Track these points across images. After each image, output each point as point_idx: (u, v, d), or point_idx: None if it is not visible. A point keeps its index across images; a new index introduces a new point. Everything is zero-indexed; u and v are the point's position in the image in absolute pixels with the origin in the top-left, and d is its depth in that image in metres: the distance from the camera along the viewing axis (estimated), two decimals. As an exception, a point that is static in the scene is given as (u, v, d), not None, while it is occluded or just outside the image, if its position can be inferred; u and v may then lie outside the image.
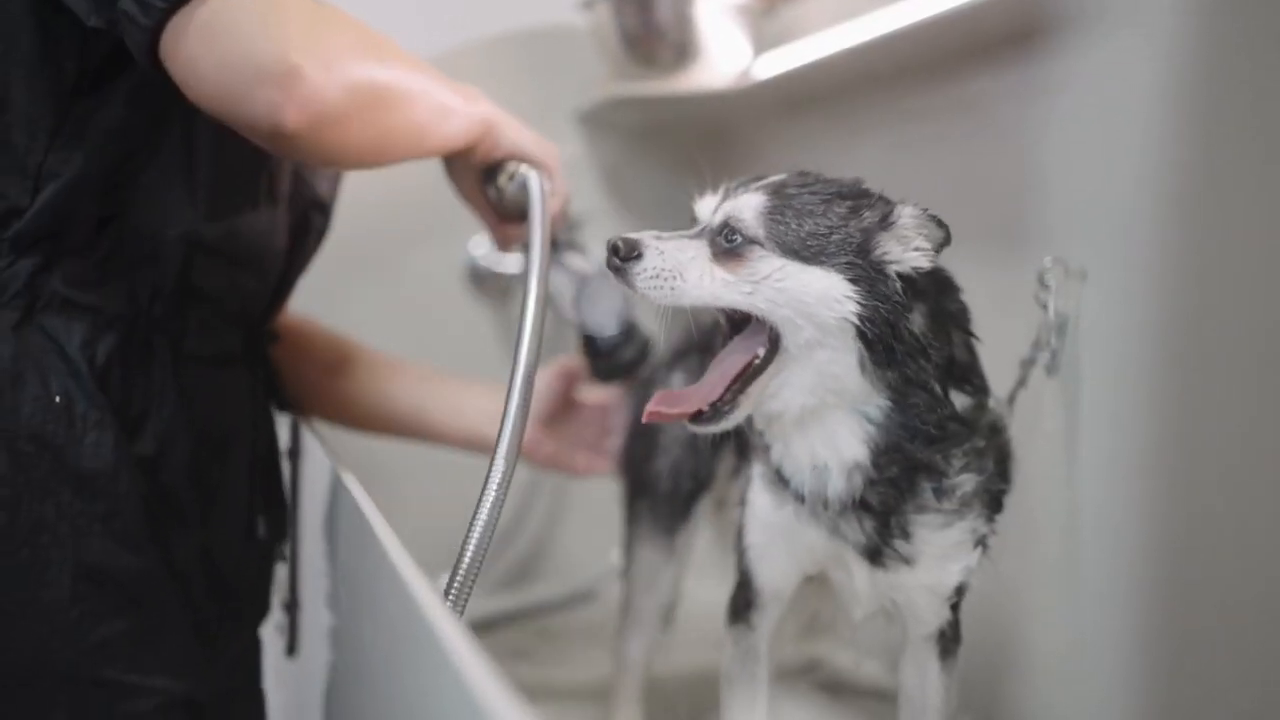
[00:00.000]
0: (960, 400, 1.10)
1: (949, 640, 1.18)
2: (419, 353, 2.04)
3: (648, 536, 1.54)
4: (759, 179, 1.11)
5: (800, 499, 1.12)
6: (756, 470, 1.20)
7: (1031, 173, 1.47)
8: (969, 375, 1.12)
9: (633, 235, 1.05)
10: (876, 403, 1.06)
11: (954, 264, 1.60)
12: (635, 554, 1.56)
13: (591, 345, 1.64)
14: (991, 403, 1.15)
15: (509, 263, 2.24)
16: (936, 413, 1.07)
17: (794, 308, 1.03)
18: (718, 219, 1.07)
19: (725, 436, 1.45)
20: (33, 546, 1.19)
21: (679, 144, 2.26)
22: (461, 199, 1.47)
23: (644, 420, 1.09)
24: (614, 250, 1.04)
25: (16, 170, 1.22)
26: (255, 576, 1.49)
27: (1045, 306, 1.30)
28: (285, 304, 1.60)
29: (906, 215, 1.07)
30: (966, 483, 1.10)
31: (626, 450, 1.62)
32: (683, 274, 1.04)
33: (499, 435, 1.14)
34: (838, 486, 1.09)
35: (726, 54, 1.90)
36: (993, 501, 1.14)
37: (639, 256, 1.04)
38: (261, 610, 1.55)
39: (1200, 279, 1.11)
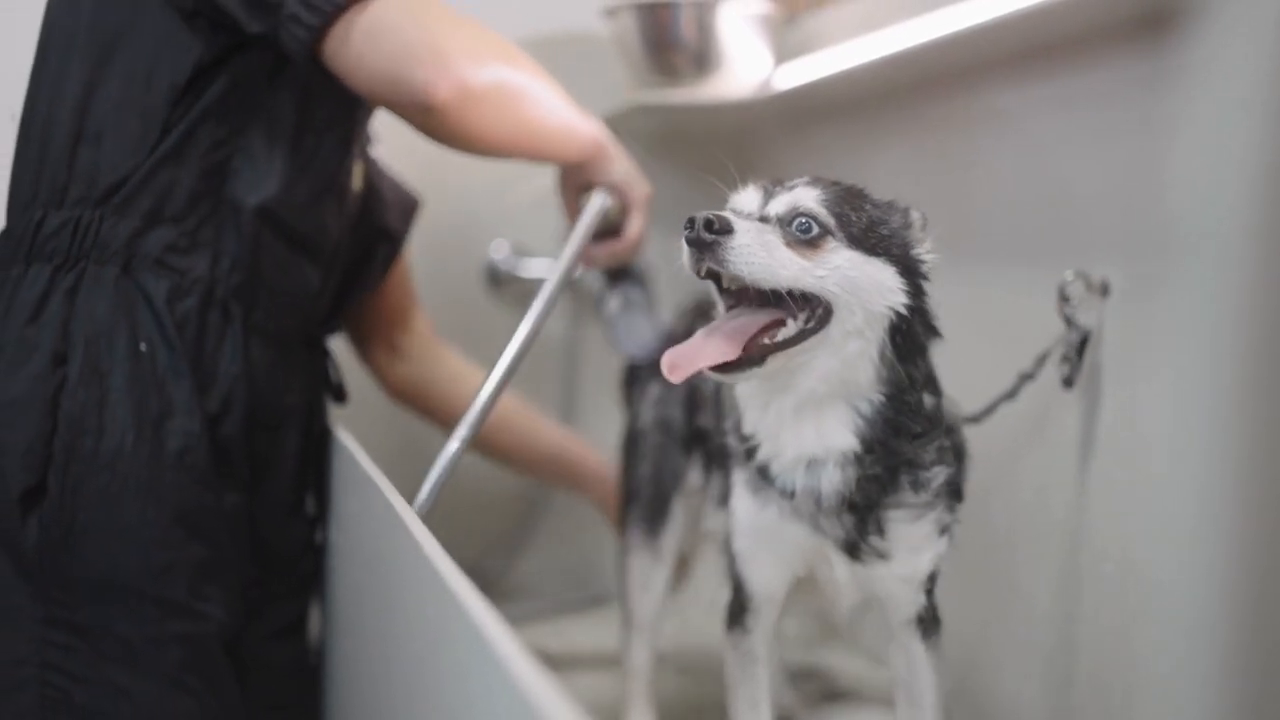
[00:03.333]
0: (929, 400, 1.15)
1: (928, 623, 1.23)
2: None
3: (636, 542, 1.61)
4: (793, 178, 1.14)
5: (790, 495, 1.14)
6: (739, 477, 1.23)
7: (1058, 186, 1.49)
8: (932, 377, 1.17)
9: (716, 211, 1.05)
10: (870, 397, 1.11)
11: (971, 273, 1.62)
12: (627, 560, 1.62)
13: (630, 372, 1.75)
14: (945, 402, 1.19)
15: (528, 266, 2.26)
16: (921, 411, 1.12)
17: (856, 295, 1.07)
18: (780, 209, 1.10)
19: (699, 439, 1.53)
20: (113, 472, 1.32)
21: (699, 152, 2.27)
22: (563, 212, 1.64)
23: (674, 381, 1.07)
24: (707, 225, 1.03)
25: (133, 151, 1.39)
26: (299, 551, 1.58)
27: (1069, 320, 1.32)
28: (347, 313, 1.73)
29: (917, 216, 1.14)
30: (939, 475, 1.16)
31: (620, 461, 1.69)
32: (772, 253, 1.05)
33: (482, 387, 1.40)
34: (833, 479, 1.12)
35: (747, 64, 1.91)
36: (955, 492, 1.19)
37: (732, 231, 1.03)
38: (305, 589, 1.62)
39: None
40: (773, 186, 1.13)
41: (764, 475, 1.16)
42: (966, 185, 1.64)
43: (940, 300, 1.14)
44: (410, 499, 1.32)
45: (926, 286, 1.12)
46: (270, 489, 1.50)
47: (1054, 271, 1.34)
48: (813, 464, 1.12)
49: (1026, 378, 1.37)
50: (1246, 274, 1.12)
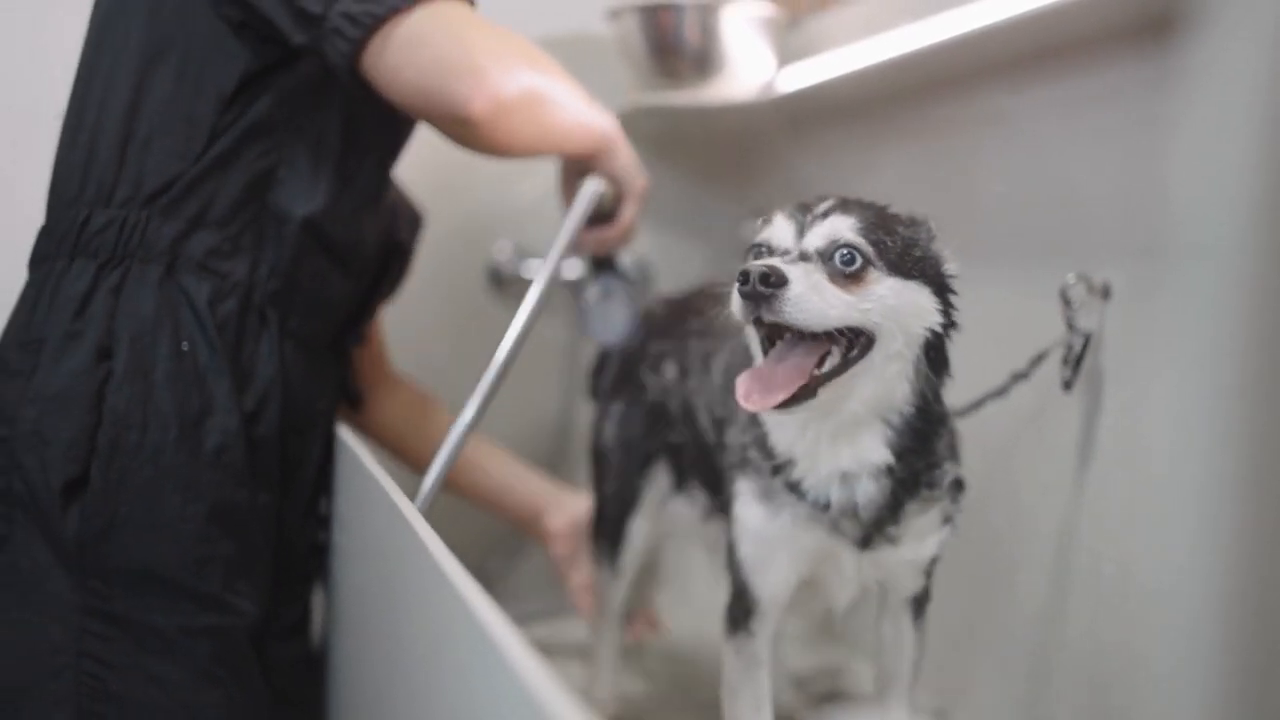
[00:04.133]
0: None
1: (921, 601, 1.30)
2: (438, 351, 2.07)
3: (600, 559, 1.70)
4: (824, 201, 1.13)
5: (824, 508, 1.16)
6: (744, 486, 1.24)
7: (1060, 188, 1.49)
8: None
9: (768, 263, 1.05)
10: (900, 410, 1.13)
11: (976, 275, 1.62)
12: (595, 569, 1.73)
13: (599, 366, 1.79)
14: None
15: (530, 267, 2.27)
16: (945, 418, 1.16)
17: (897, 321, 1.08)
18: (819, 243, 1.09)
19: (672, 453, 1.56)
20: (155, 466, 1.36)
21: (702, 154, 2.27)
22: (561, 196, 1.68)
23: (751, 409, 1.08)
24: (763, 279, 1.03)
25: (180, 156, 1.43)
26: (309, 552, 1.61)
27: (1070, 323, 1.32)
28: (365, 325, 1.76)
29: (935, 229, 1.14)
30: (950, 471, 1.19)
31: (590, 472, 1.75)
32: (823, 295, 1.05)
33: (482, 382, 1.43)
34: (868, 491, 1.15)
35: (750, 66, 1.92)
36: (957, 484, 1.22)
37: (786, 283, 1.03)
38: (309, 588, 1.66)
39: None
40: (803, 215, 1.12)
41: (794, 490, 1.18)
42: (969, 188, 1.65)
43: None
44: (413, 498, 1.32)
45: (955, 300, 1.14)
46: (296, 491, 1.54)
47: (1059, 273, 1.35)
48: (846, 478, 1.15)
49: (1019, 377, 1.38)
50: (1248, 277, 1.12)
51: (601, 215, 1.62)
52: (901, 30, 1.56)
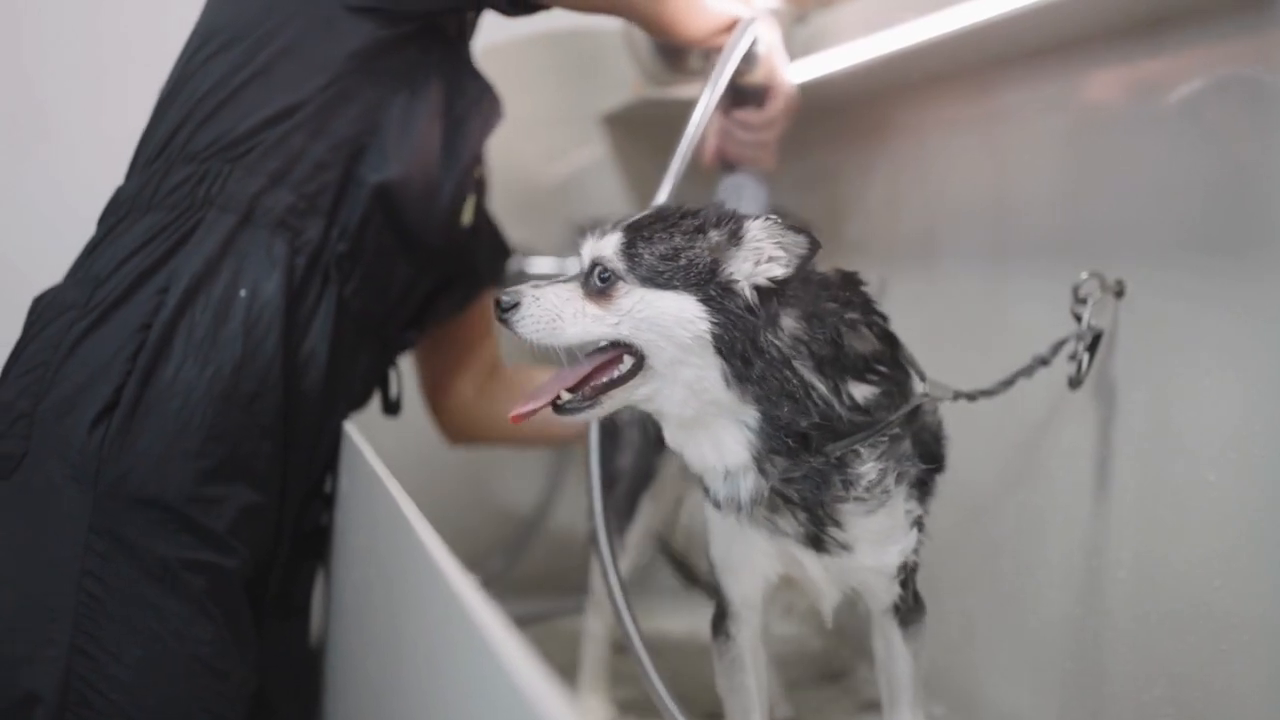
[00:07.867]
0: (865, 390, 1.14)
1: (907, 611, 1.26)
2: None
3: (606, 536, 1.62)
4: (624, 218, 1.17)
5: (716, 505, 1.17)
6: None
7: (1078, 183, 1.47)
8: (871, 366, 1.15)
9: (512, 289, 1.14)
10: (750, 413, 1.12)
11: (979, 272, 1.60)
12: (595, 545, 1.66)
13: None
14: (920, 387, 1.18)
15: (531, 265, 2.26)
16: (810, 417, 1.11)
17: (656, 331, 1.11)
18: (587, 261, 1.15)
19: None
20: (185, 401, 1.40)
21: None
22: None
23: (512, 421, 1.15)
24: (497, 305, 1.14)
25: (272, 119, 1.50)
26: (309, 532, 1.61)
27: (1079, 319, 1.31)
28: (420, 331, 1.78)
29: (755, 229, 1.12)
30: (872, 472, 1.15)
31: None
32: (560, 315, 1.13)
33: None
34: (748, 486, 1.15)
35: (757, 60, 1.90)
36: (921, 484, 1.19)
37: (516, 306, 1.12)
38: (310, 571, 1.66)
39: None
40: (599, 232, 1.17)
41: (701, 485, 1.19)
42: (974, 183, 1.63)
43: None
44: (415, 496, 1.29)
45: (755, 300, 1.10)
46: (306, 461, 1.55)
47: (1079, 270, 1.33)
48: (729, 475, 1.15)
49: (1041, 362, 1.35)
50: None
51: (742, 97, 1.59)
52: (910, 24, 1.54)
